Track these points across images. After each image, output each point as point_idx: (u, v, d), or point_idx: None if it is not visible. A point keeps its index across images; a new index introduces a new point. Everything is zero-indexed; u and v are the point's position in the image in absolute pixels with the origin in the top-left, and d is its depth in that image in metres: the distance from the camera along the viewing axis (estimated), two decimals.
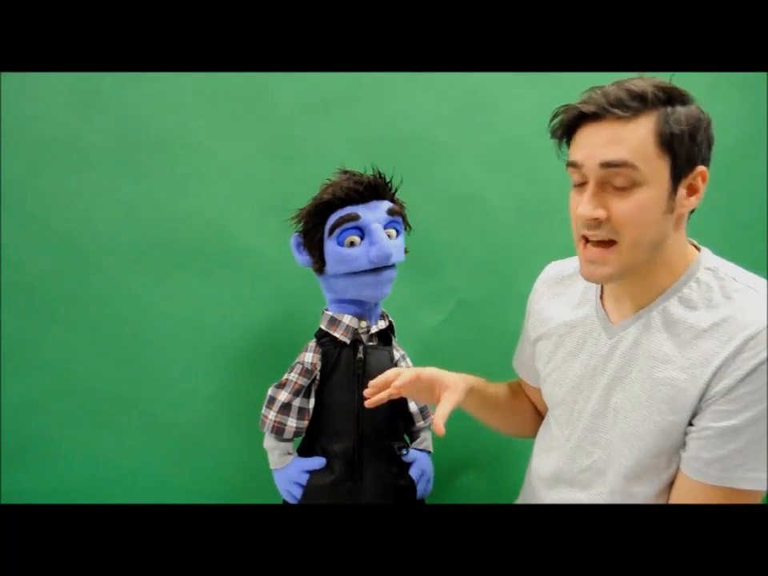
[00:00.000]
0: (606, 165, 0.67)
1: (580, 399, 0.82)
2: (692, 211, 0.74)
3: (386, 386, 0.83)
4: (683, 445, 0.71)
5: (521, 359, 0.99)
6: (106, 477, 1.12)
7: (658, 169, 0.67)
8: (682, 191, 0.69)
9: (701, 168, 0.69)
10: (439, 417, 0.79)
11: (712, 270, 0.72)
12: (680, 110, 0.67)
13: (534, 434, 0.98)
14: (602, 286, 0.82)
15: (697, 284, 0.72)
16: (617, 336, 0.77)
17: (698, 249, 0.76)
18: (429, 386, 0.85)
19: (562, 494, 0.84)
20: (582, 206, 0.69)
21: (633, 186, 0.67)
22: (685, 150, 0.67)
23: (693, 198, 0.70)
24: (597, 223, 0.69)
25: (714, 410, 0.67)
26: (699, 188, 0.70)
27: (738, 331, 0.66)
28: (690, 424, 0.70)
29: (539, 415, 1.00)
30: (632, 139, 0.67)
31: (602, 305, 0.81)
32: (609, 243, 0.70)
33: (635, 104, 0.66)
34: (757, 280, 0.71)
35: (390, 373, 0.84)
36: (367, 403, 0.83)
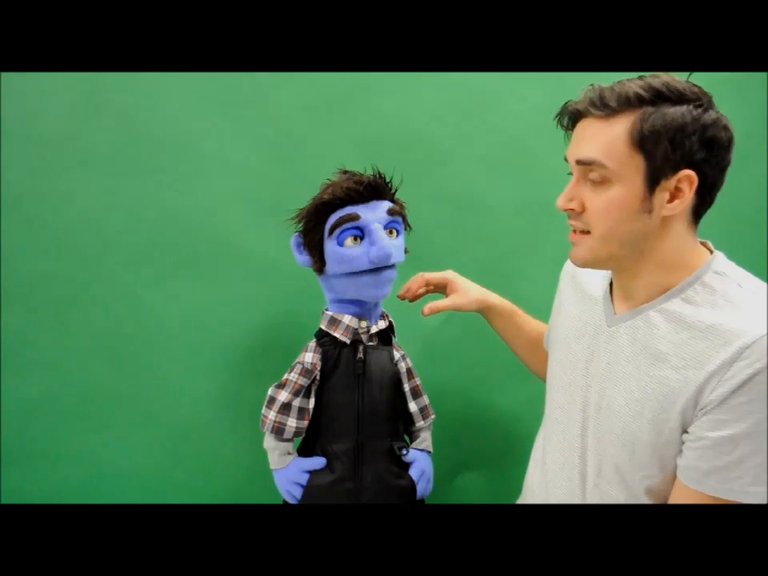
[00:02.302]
0: (579, 162, 0.71)
1: (573, 383, 0.83)
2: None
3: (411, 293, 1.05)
4: (680, 453, 0.71)
5: (548, 333, 1.01)
6: (106, 477, 1.12)
7: (630, 168, 0.68)
8: (662, 194, 0.68)
9: (687, 172, 0.67)
10: (431, 305, 1.01)
11: (719, 273, 0.71)
12: (666, 110, 0.66)
13: (541, 373, 1.02)
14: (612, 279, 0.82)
15: (702, 286, 0.71)
16: (615, 326, 0.78)
17: (711, 252, 0.75)
18: (442, 286, 1.06)
19: (560, 486, 0.84)
20: (559, 197, 0.74)
21: (604, 182, 0.70)
22: (662, 152, 0.66)
23: (675, 203, 0.69)
24: (573, 214, 0.74)
25: (710, 418, 0.66)
26: (684, 192, 0.68)
27: (733, 337, 0.65)
28: (686, 432, 0.70)
29: None
30: (604, 138, 0.68)
31: (611, 294, 0.81)
32: (585, 232, 0.73)
33: (614, 104, 0.68)
34: (764, 287, 0.70)
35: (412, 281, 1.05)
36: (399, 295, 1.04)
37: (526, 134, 1.26)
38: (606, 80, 0.72)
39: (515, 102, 1.25)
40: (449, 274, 1.06)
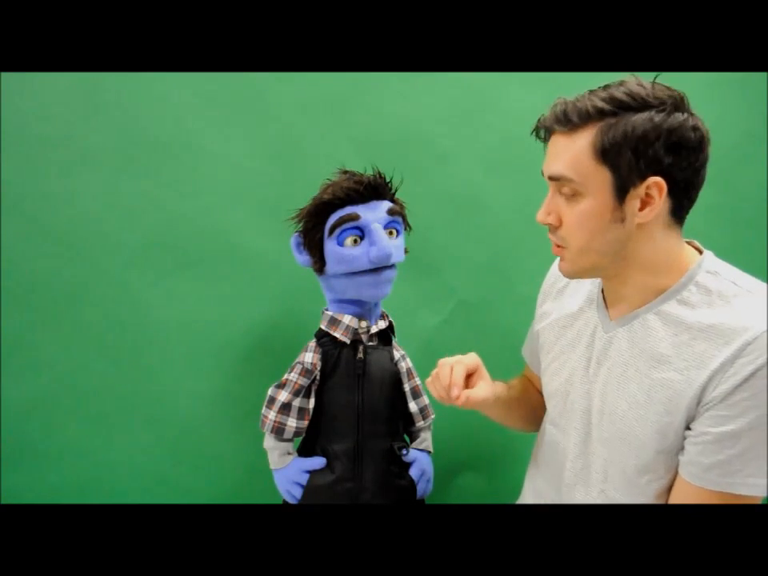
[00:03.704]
0: (550, 178, 0.72)
1: (572, 391, 0.82)
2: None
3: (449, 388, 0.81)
4: (681, 449, 0.71)
5: (529, 347, 1.00)
6: (106, 477, 1.12)
7: (597, 180, 0.68)
8: (633, 203, 0.68)
9: (654, 179, 0.67)
10: (468, 395, 0.80)
11: (712, 273, 0.72)
12: (628, 120, 0.66)
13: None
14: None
15: (696, 287, 0.71)
16: (612, 331, 0.77)
17: (700, 252, 0.76)
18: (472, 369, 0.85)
19: (562, 492, 0.84)
20: (539, 211, 0.75)
21: (575, 196, 0.70)
22: (625, 162, 0.67)
23: (647, 210, 0.68)
24: (551, 228, 0.74)
25: (712, 414, 0.67)
26: (654, 199, 0.68)
27: (734, 335, 0.66)
28: (688, 428, 0.70)
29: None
30: (568, 153, 0.69)
31: (604, 299, 0.81)
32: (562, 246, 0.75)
33: (575, 119, 0.68)
34: (757, 284, 0.71)
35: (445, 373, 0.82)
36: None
37: (526, 134, 1.25)
38: (604, 80, 0.72)
39: (515, 101, 1.25)
40: (478, 359, 0.86)
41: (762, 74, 1.34)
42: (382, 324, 1.01)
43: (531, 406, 0.99)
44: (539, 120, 0.74)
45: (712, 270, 0.72)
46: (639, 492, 0.75)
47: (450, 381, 0.81)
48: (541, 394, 0.97)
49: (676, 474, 0.73)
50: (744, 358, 0.64)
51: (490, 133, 1.25)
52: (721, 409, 0.66)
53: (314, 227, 0.94)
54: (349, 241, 0.92)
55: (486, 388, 0.84)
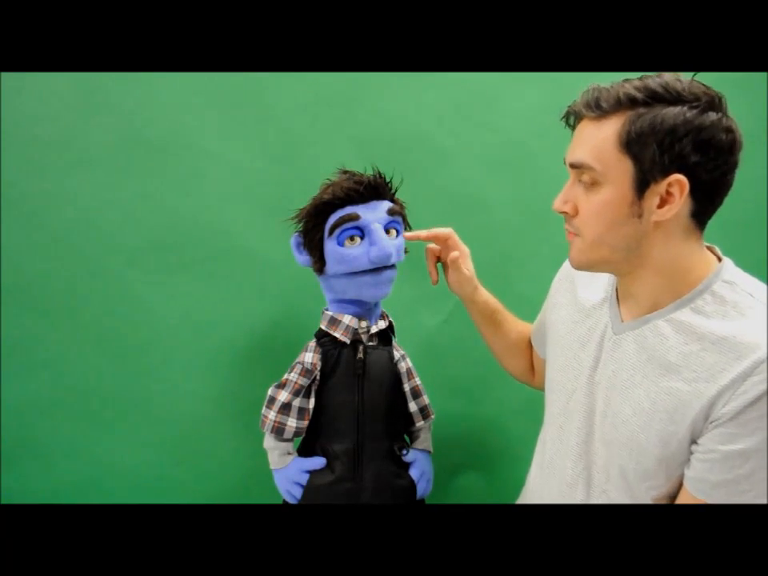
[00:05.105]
0: (572, 165, 0.71)
1: (578, 390, 0.81)
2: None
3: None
4: (687, 462, 0.70)
5: (537, 331, 1.00)
6: (106, 477, 1.12)
7: (618, 171, 0.67)
8: (652, 199, 0.66)
9: (677, 176, 0.65)
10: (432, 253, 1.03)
11: (729, 283, 0.70)
12: (658, 112, 0.64)
13: (517, 374, 1.08)
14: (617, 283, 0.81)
15: (712, 296, 0.69)
16: (622, 333, 0.76)
17: (720, 259, 0.73)
18: (442, 239, 1.01)
19: (564, 492, 0.84)
20: (555, 199, 0.74)
21: (595, 185, 0.69)
22: (649, 155, 0.65)
23: (665, 208, 0.66)
24: (567, 216, 0.74)
25: (721, 432, 0.65)
26: (675, 197, 0.66)
27: (747, 351, 0.64)
28: (695, 442, 0.69)
29: (531, 367, 1.06)
30: (594, 141, 0.68)
31: (617, 299, 0.80)
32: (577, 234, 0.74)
33: (605, 105, 0.67)
34: None
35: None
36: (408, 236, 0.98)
37: (525, 133, 1.26)
38: (605, 80, 0.71)
39: (515, 101, 1.25)
40: (452, 232, 1.01)
41: (762, 74, 1.34)
42: (382, 324, 1.01)
43: (514, 346, 1.05)
44: (570, 105, 0.72)
45: (729, 279, 0.70)
46: (638, 497, 0.75)
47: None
48: (530, 346, 1.03)
49: (676, 483, 0.72)
50: (756, 376, 0.63)
51: (490, 133, 1.25)
52: (730, 426, 0.64)
53: (313, 227, 0.94)
54: (349, 241, 0.92)
55: (460, 267, 0.99)
